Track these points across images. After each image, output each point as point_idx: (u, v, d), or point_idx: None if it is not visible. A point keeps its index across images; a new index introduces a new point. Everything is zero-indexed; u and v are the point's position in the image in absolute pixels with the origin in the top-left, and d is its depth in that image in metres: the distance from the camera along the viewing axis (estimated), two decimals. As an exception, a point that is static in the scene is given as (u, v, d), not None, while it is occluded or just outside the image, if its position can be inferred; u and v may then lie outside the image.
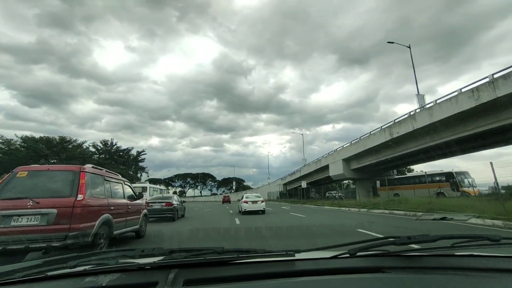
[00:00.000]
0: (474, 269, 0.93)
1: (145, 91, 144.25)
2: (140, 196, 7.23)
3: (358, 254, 1.04)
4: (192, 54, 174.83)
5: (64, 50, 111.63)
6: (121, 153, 47.09)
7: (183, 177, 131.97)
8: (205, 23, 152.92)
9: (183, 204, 16.06)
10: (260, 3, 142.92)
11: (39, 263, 1.00)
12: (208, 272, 0.94)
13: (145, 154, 51.42)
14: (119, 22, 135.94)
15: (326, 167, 32.58)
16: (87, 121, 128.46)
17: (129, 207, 6.36)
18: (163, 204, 12.58)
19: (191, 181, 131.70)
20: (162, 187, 55.29)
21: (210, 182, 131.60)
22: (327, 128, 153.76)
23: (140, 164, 51.85)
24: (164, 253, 1.06)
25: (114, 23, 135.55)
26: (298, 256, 1.04)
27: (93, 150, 43.79)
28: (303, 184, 30.50)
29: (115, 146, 46.44)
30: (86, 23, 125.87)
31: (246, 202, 15.86)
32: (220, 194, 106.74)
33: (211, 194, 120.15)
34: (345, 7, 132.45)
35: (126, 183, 6.82)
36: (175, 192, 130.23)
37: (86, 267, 0.94)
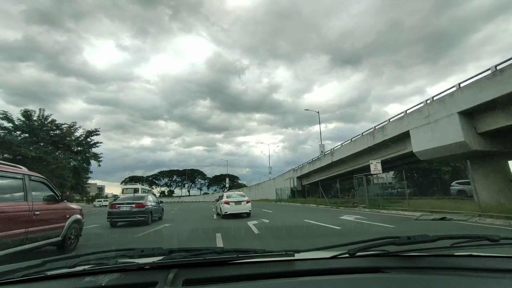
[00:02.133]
0: (474, 269, 0.92)
1: (137, 90, 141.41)
2: (64, 197, 5.52)
3: (358, 254, 1.02)
4: (185, 54, 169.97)
5: (52, 47, 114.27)
6: (56, 132, 31.05)
7: (168, 174, 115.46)
8: (197, 22, 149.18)
9: (161, 205, 13.83)
10: (253, 4, 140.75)
11: (38, 263, 0.99)
12: (208, 272, 0.93)
13: (98, 134, 35.55)
14: (110, 21, 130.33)
15: (399, 139, 17.83)
16: (77, 121, 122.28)
17: (37, 213, 4.61)
18: (133, 205, 10.44)
19: (178, 179, 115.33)
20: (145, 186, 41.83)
21: (199, 180, 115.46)
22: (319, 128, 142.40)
23: (92, 150, 35.95)
24: (164, 253, 1.05)
25: (105, 21, 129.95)
26: (297, 256, 1.03)
27: (7, 124, 27.65)
28: (375, 166, 15.41)
29: (48, 122, 30.33)
30: (76, 20, 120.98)
31: (227, 203, 12.42)
32: (213, 193, 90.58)
33: (203, 194, 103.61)
34: (338, 9, 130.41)
35: (34, 178, 4.87)
36: (162, 192, 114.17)
37: (86, 267, 0.94)
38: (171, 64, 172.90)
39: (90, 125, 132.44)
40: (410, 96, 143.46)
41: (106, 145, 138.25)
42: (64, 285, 0.87)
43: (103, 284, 0.84)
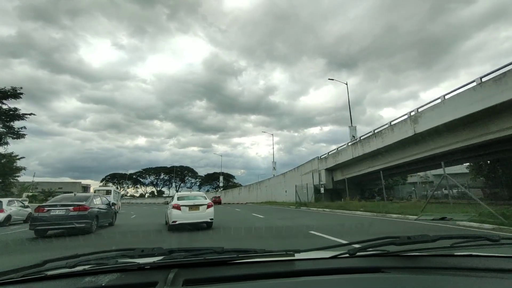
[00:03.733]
0: (474, 269, 0.92)
1: (132, 89, 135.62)
2: None
3: (358, 254, 1.02)
4: (182, 54, 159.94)
5: (47, 44, 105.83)
6: None
7: (155, 172, 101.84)
8: (195, 22, 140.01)
9: (115, 207, 11.38)
10: (251, 5, 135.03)
11: (38, 262, 0.98)
12: (208, 272, 0.93)
13: (19, 96, 22.57)
14: (107, 19, 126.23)
15: None
16: (71, 119, 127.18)
17: None
18: (70, 208, 7.97)
19: (165, 177, 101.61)
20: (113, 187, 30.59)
21: (190, 179, 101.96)
22: (315, 130, 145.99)
23: (13, 123, 22.91)
24: (164, 253, 1.04)
25: (102, 19, 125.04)
26: (297, 256, 1.03)
27: None
28: None
29: None
30: (72, 17, 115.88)
31: (177, 207, 8.26)
32: (207, 193, 76.83)
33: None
34: (335, 12, 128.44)
35: None
36: (152, 193, 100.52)
37: (86, 267, 0.93)
38: (168, 64, 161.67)
39: (84, 124, 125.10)
40: (404, 100, 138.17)
41: (100, 144, 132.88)
42: (64, 285, 0.86)
43: (103, 284, 0.83)
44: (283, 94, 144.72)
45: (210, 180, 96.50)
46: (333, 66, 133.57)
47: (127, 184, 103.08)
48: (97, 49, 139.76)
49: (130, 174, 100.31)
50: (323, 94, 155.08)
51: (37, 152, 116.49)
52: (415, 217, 9.39)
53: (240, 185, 65.60)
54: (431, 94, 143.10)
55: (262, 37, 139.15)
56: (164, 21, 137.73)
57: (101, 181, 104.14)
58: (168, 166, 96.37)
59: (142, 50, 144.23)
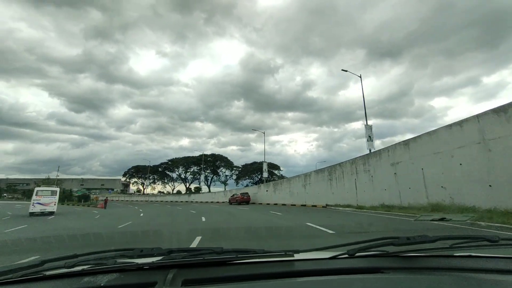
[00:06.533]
0: (473, 270, 0.92)
1: (176, 94, 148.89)
2: None
3: (357, 254, 1.03)
4: (219, 56, 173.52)
5: (104, 58, 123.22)
6: None
7: (183, 162, 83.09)
8: (230, 24, 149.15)
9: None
10: (285, 3, 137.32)
11: (37, 262, 0.98)
12: (207, 272, 0.94)
13: None
14: (152, 30, 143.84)
15: None
16: (124, 124, 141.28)
17: None
18: None
19: (196, 169, 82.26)
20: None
21: (223, 170, 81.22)
22: (356, 125, 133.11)
23: None
24: (163, 253, 1.05)
25: (147, 31, 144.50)
26: (297, 256, 1.04)
27: None
28: None
29: None
30: (124, 32, 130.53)
31: None
32: (245, 187, 54.18)
33: (235, 188, 67.81)
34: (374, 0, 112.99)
35: None
36: (188, 189, 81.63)
37: (84, 267, 0.94)
38: (207, 67, 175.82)
39: (135, 128, 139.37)
40: (460, 87, 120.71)
41: (149, 146, 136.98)
42: (63, 285, 0.86)
43: (102, 284, 0.83)
44: (321, 89, 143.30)
45: (248, 172, 74.76)
46: (374, 56, 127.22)
47: (153, 178, 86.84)
48: (144, 59, 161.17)
49: (154, 166, 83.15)
50: (365, 87, 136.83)
51: (98, 155, 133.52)
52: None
53: (285, 177, 41.70)
54: (496, 77, 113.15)
55: (298, 33, 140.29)
56: (202, 26, 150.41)
57: (124, 176, 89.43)
58: (197, 155, 76.04)
59: (183, 56, 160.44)
